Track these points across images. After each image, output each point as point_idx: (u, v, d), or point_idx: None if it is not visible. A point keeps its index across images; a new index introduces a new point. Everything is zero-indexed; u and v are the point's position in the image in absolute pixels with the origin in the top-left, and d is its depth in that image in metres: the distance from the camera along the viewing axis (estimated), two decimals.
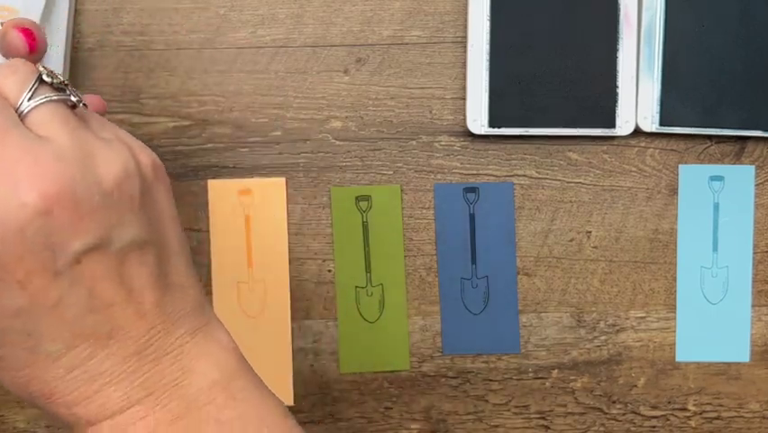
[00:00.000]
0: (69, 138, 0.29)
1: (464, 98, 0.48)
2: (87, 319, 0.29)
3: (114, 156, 0.30)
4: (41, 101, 0.29)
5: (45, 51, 0.35)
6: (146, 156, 0.31)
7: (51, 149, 0.28)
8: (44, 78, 0.30)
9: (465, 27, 0.48)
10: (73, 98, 0.31)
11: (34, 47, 0.33)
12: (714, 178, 0.49)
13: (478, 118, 0.47)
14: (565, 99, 0.47)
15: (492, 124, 0.47)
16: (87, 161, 0.29)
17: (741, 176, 0.49)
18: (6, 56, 0.33)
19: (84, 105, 0.31)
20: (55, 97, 0.30)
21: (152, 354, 0.30)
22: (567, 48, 0.47)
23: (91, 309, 0.29)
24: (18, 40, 0.33)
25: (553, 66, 0.47)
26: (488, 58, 0.47)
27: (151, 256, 0.31)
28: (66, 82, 0.31)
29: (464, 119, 0.48)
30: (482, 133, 0.47)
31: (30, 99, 0.29)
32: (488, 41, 0.47)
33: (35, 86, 0.30)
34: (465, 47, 0.48)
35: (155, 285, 0.31)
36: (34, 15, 0.44)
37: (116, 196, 0.29)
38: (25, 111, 0.29)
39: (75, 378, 0.29)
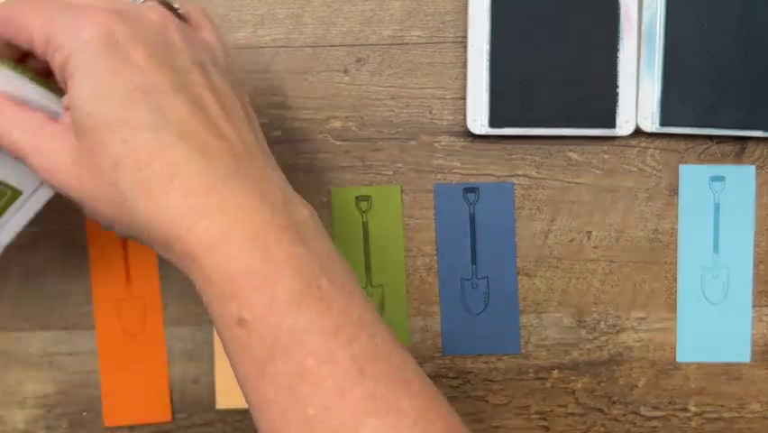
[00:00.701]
0: None
1: (464, 98, 0.48)
2: (197, 115, 0.33)
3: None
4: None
5: None
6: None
7: None
8: None
9: (465, 27, 0.48)
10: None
11: None
12: (715, 178, 0.49)
13: (478, 118, 0.47)
14: (565, 99, 0.47)
15: (493, 124, 0.47)
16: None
17: (742, 176, 0.49)
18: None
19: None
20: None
21: (243, 175, 0.33)
22: (567, 48, 0.47)
23: (199, 109, 0.33)
24: None
25: (553, 66, 0.47)
26: (488, 58, 0.47)
27: (246, 108, 0.37)
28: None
29: (464, 119, 0.48)
30: (483, 133, 0.47)
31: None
32: (488, 41, 0.47)
33: None
34: (465, 47, 0.48)
35: (249, 127, 0.35)
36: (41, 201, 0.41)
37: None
38: None
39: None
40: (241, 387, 0.32)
